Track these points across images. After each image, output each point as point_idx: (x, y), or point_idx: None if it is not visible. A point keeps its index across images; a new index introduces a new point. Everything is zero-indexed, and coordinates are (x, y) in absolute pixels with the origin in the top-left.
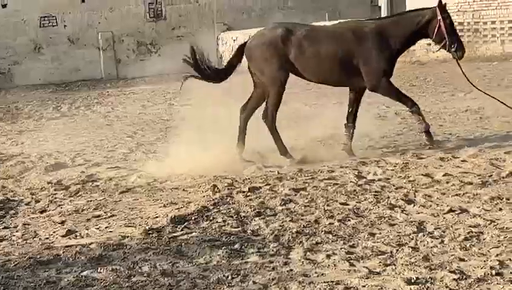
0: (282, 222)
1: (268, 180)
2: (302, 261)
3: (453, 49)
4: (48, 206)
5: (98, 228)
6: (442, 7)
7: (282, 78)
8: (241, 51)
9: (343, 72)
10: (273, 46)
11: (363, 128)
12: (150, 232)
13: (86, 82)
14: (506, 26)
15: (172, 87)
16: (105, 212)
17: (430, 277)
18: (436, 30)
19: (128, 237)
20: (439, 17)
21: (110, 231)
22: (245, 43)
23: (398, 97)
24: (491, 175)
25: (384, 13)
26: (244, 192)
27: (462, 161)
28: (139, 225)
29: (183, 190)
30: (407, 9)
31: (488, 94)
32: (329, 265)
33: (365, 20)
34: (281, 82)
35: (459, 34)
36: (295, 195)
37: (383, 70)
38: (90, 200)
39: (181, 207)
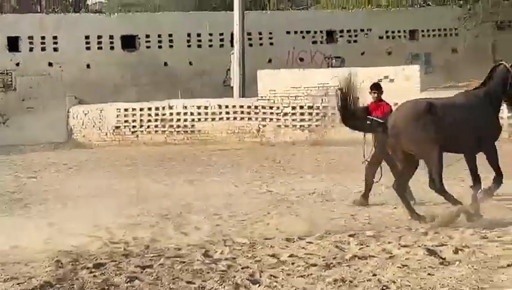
0: None
1: (114, 257)
2: None
3: None
4: None
5: None
6: None
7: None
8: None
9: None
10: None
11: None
12: None
13: None
14: None
15: (20, 158)
16: None
17: None
18: None
19: None
20: None
21: None
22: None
23: (496, 162)
24: (335, 257)
25: (236, 94)
26: (88, 268)
27: (307, 242)
28: None
29: (26, 264)
30: (259, 90)
31: None
32: None
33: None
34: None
35: None
36: (141, 272)
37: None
38: None
39: (22, 282)
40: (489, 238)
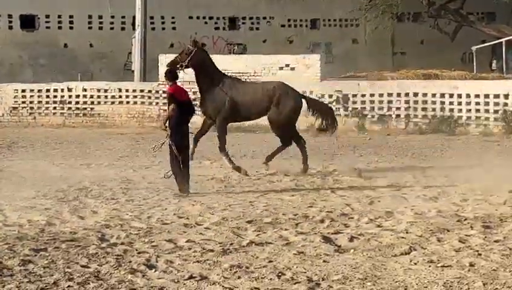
0: (19, 283)
1: (7, 239)
2: None
3: None
4: None
5: None
6: None
7: None
8: None
9: None
10: None
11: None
12: None
13: None
14: None
15: None
16: None
17: None
18: None
19: None
20: None
21: None
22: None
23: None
24: (232, 243)
25: (137, 79)
26: None
27: (205, 228)
28: None
29: None
30: (160, 75)
31: None
32: None
33: None
34: None
35: None
36: (35, 256)
37: None
38: None
39: None
40: (384, 227)
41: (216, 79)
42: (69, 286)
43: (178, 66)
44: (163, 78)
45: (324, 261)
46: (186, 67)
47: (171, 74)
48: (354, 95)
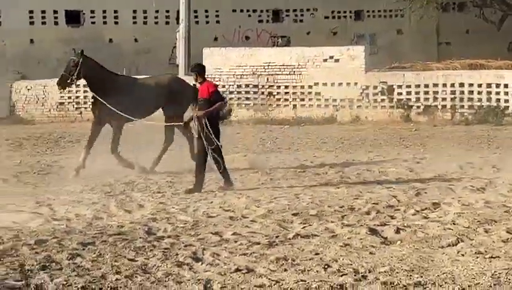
0: (68, 277)
1: (55, 234)
2: None
3: None
4: None
5: None
6: None
7: None
8: None
9: None
10: None
11: None
12: None
13: None
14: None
15: None
16: None
17: None
18: None
19: None
20: None
21: None
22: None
23: None
24: (278, 236)
25: (181, 73)
26: (29, 244)
27: (251, 221)
28: None
29: None
30: None
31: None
32: None
33: None
34: None
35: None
36: (83, 249)
37: None
38: None
39: None
40: (431, 218)
41: (109, 83)
42: (116, 279)
43: (68, 81)
44: (194, 75)
45: (370, 253)
46: (78, 79)
47: (202, 69)
48: (399, 86)
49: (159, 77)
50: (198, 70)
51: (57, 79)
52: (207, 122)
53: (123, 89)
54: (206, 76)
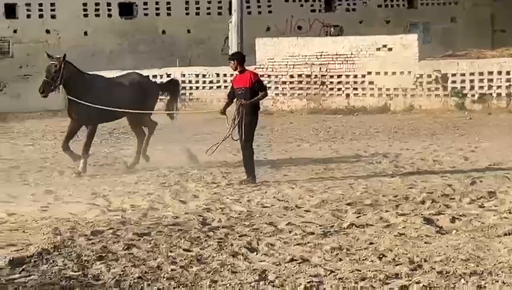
0: (124, 267)
1: (111, 224)
2: None
3: None
4: None
5: None
6: None
7: None
8: None
9: None
10: None
11: None
12: None
13: None
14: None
15: (17, 126)
16: None
17: None
18: None
19: None
20: None
21: None
22: None
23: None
24: (333, 226)
25: None
26: (86, 235)
27: (305, 211)
28: None
29: (24, 231)
30: (257, 59)
31: None
32: None
33: None
34: None
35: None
36: (138, 240)
37: None
38: None
39: (20, 249)
40: (487, 207)
41: (85, 85)
42: (172, 270)
43: (51, 87)
44: (231, 62)
45: (426, 242)
46: (60, 84)
47: (243, 57)
48: (454, 75)
49: (128, 75)
50: (239, 58)
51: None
52: (245, 113)
53: (102, 90)
54: (258, 66)
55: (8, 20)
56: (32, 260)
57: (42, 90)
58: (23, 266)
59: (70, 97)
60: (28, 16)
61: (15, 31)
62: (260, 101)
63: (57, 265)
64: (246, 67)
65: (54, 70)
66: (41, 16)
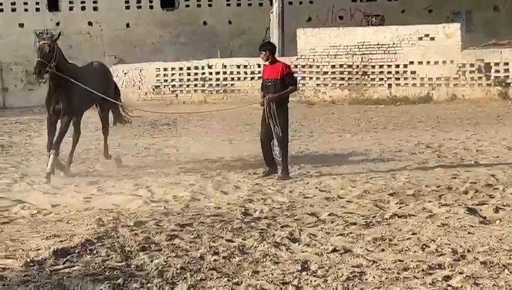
0: (167, 258)
1: (154, 215)
2: None
3: None
4: None
5: None
6: None
7: None
8: None
9: None
10: None
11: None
12: (31, 264)
13: None
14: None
15: None
16: None
17: None
18: None
19: (8, 269)
20: None
21: None
22: None
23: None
24: (375, 216)
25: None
26: (129, 226)
27: (347, 201)
28: (20, 257)
29: (67, 222)
30: (298, 49)
31: None
32: None
33: None
34: None
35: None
36: (181, 231)
37: None
38: None
39: (64, 240)
40: None
41: (68, 71)
42: (214, 260)
43: (47, 68)
44: (262, 52)
45: (469, 232)
46: (55, 64)
47: (274, 48)
48: (497, 64)
49: (93, 63)
50: (271, 48)
51: (34, 67)
52: (275, 107)
53: (79, 78)
54: (299, 56)
55: (51, 13)
56: (76, 251)
57: (38, 70)
58: (67, 257)
59: (64, 76)
60: (71, 9)
61: (58, 24)
62: (290, 95)
63: (100, 256)
64: (289, 58)
65: (48, 50)
66: (83, 8)
